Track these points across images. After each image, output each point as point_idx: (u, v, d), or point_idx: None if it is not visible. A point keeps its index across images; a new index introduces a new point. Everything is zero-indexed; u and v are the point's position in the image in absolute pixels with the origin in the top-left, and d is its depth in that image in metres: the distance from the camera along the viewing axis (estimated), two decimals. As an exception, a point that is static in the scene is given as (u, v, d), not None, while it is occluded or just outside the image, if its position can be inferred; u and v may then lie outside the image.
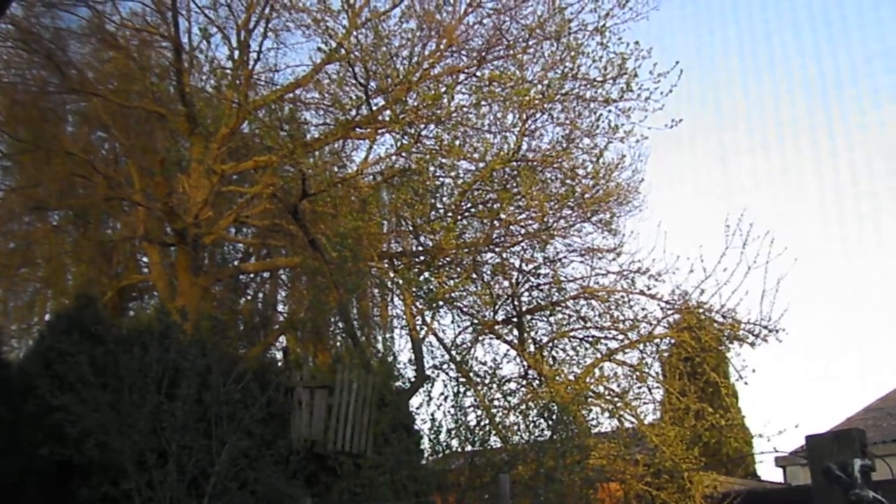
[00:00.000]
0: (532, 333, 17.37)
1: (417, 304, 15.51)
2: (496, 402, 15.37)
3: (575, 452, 13.02)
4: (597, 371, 16.56)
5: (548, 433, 13.34)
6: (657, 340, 16.66)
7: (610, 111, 15.40)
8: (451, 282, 16.27)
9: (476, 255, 16.48)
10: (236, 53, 16.12)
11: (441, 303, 15.90)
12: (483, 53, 15.60)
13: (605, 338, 17.02)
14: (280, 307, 21.47)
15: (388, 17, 15.33)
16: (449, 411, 13.40)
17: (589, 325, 17.13)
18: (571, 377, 16.37)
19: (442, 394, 13.97)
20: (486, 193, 16.20)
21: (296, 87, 16.54)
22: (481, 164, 15.34)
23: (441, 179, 15.87)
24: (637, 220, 16.98)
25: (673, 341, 16.53)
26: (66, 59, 15.75)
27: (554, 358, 17.30)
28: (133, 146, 17.22)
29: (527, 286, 17.18)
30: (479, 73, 15.69)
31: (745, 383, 15.77)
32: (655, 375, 16.81)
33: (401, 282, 15.95)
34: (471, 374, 15.41)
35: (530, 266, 17.03)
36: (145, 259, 18.83)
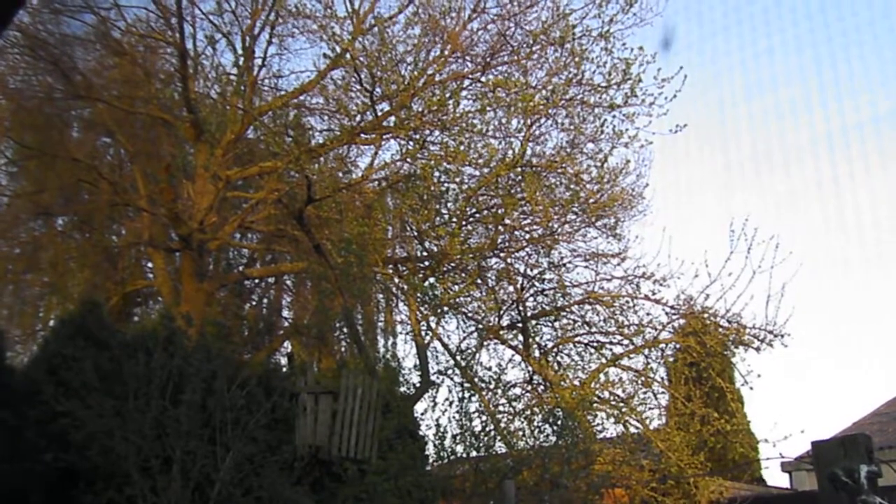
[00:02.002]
0: (537, 339, 17.38)
1: (422, 309, 15.50)
2: (501, 408, 15.39)
3: (580, 458, 13.01)
4: (602, 376, 16.55)
5: (553, 438, 13.34)
6: (662, 345, 16.67)
7: (614, 116, 15.40)
8: (456, 287, 16.26)
9: (481, 261, 16.49)
10: (241, 59, 16.16)
11: (446, 308, 15.90)
12: (487, 59, 15.60)
13: (611, 343, 17.03)
14: (285, 313, 21.50)
15: (393, 23, 15.36)
16: (454, 417, 13.42)
17: (594, 330, 17.14)
18: (576, 382, 16.36)
19: (447, 399, 13.99)
20: (491, 199, 16.21)
21: (301, 92, 16.57)
22: (486, 170, 15.35)
23: (446, 185, 15.87)
24: (642, 225, 16.99)
25: (678, 346, 16.52)
26: (72, 65, 15.77)
27: (559, 363, 17.31)
28: (138, 152, 17.24)
29: (531, 291, 17.19)
30: (483, 79, 15.70)
31: (751, 388, 15.77)
32: (661, 380, 16.82)
33: (406, 287, 15.97)
34: (475, 380, 15.39)
35: (535, 271, 17.05)
36: (150, 265, 18.83)
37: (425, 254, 16.73)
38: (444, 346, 16.08)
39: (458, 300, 16.30)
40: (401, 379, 14.26)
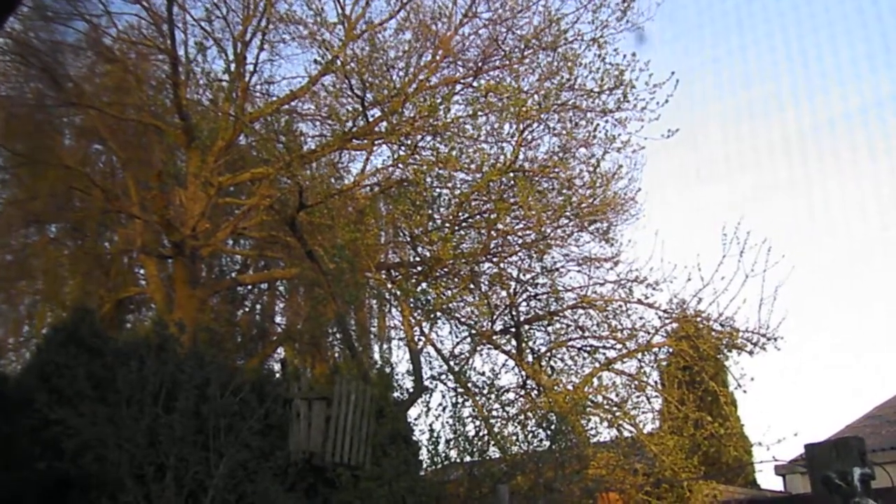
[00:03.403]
0: (530, 343, 17.36)
1: (415, 314, 15.51)
2: (495, 413, 15.37)
3: (574, 462, 13.01)
4: (595, 380, 16.56)
5: (546, 443, 13.33)
6: (655, 349, 16.68)
7: (606, 121, 15.45)
8: (449, 292, 16.27)
9: (473, 266, 16.48)
10: (232, 66, 16.14)
11: (439, 313, 15.90)
12: (479, 64, 15.64)
13: (604, 347, 17.04)
14: (278, 319, 21.48)
15: (383, 29, 15.39)
16: (447, 422, 13.41)
17: (587, 334, 17.14)
18: (570, 387, 16.36)
19: (440, 404, 13.99)
20: (483, 204, 16.21)
21: (292, 98, 16.56)
22: (478, 175, 15.35)
23: (438, 190, 15.89)
24: (634, 229, 16.98)
25: (671, 350, 16.54)
26: (63, 72, 15.74)
27: (552, 368, 17.30)
28: (130, 159, 17.22)
29: (525, 296, 17.19)
30: (475, 84, 15.74)
31: (744, 392, 15.80)
32: (654, 384, 16.83)
33: (398, 292, 15.96)
34: (469, 385, 15.39)
35: (528, 276, 17.05)
36: (142, 271, 18.81)
37: (418, 259, 16.73)
38: (438, 351, 16.09)
39: (451, 305, 16.30)
40: (394, 384, 14.25)
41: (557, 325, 17.34)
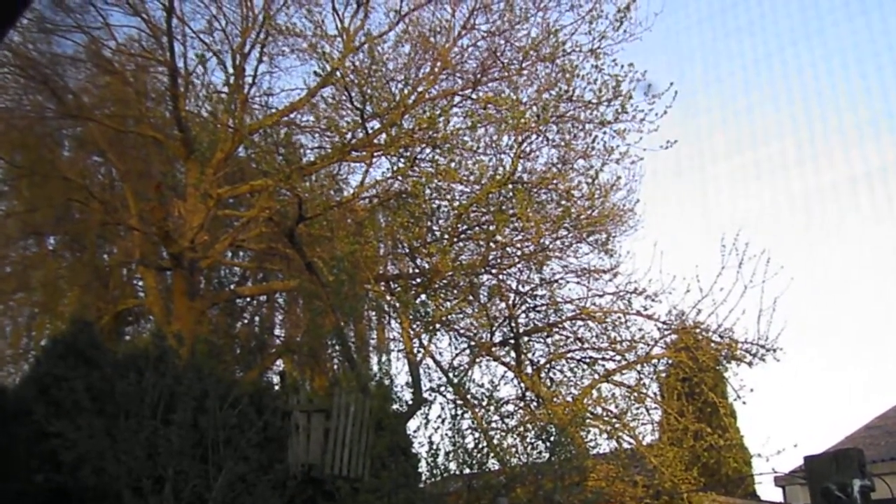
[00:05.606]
0: (529, 355, 17.35)
1: (414, 326, 15.48)
2: (494, 425, 15.32)
3: (573, 474, 12.98)
4: (594, 392, 16.54)
5: (546, 455, 13.30)
6: (654, 361, 16.66)
7: (605, 133, 15.44)
8: (448, 304, 16.25)
9: (473, 278, 16.47)
10: (232, 78, 16.18)
11: (438, 325, 15.87)
12: (478, 76, 15.65)
13: (603, 359, 17.03)
14: (277, 331, 21.44)
15: (382, 41, 15.40)
16: (446, 434, 13.36)
17: (586, 346, 17.12)
18: (569, 398, 16.35)
19: (439, 416, 13.92)
20: (482, 216, 16.20)
21: (291, 110, 16.59)
22: (477, 187, 15.35)
23: (437, 202, 15.89)
24: (633, 241, 16.97)
25: (670, 362, 16.52)
26: (63, 84, 15.79)
27: (551, 379, 17.29)
28: (129, 171, 17.23)
29: (524, 308, 17.19)
30: (474, 96, 15.76)
31: (744, 403, 15.79)
32: (653, 396, 16.81)
33: (397, 304, 15.94)
34: (468, 397, 15.35)
35: (527, 288, 17.06)
36: (141, 283, 18.80)
37: (417, 271, 16.72)
38: (437, 363, 16.04)
39: (450, 317, 16.28)
40: (393, 396, 14.22)
41: (556, 337, 17.34)
